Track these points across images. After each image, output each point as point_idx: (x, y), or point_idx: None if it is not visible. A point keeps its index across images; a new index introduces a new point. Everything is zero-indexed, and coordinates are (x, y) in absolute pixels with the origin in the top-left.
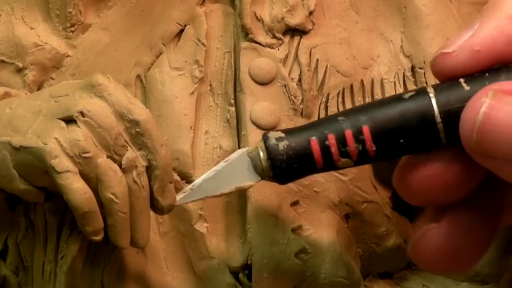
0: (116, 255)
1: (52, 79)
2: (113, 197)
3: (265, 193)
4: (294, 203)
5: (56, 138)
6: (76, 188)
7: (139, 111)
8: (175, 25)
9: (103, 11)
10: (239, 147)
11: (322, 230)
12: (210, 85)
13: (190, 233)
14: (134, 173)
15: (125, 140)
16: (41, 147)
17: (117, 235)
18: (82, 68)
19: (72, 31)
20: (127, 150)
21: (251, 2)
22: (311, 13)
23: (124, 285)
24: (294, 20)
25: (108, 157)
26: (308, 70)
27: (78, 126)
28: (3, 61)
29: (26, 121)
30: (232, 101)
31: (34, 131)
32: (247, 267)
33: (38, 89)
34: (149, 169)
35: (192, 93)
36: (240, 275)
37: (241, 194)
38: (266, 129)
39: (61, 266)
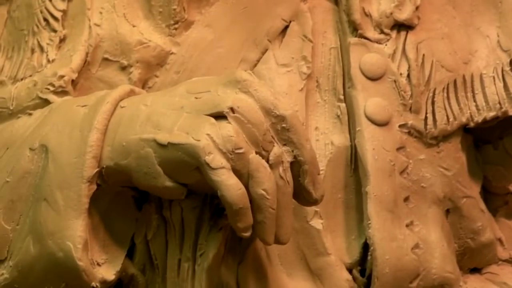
0: (249, 251)
1: (157, 76)
2: (264, 193)
3: (382, 189)
4: (406, 199)
5: (208, 134)
6: (231, 184)
7: (285, 106)
8: (281, 21)
9: (205, 8)
10: (353, 143)
11: (429, 225)
12: (317, 81)
13: (305, 230)
14: (281, 168)
15: (271, 136)
16: (194, 144)
17: (266, 231)
18: (187, 65)
19: (176, 28)
20: (273, 145)
21: None
22: (417, 8)
23: (254, 282)
24: (402, 15)
25: (256, 153)
26: (416, 65)
27: (229, 122)
28: (107, 59)
29: (168, 118)
30: (342, 97)
31: (181, 127)
32: (360, 263)
33: (143, 87)
34: (294, 164)
35: (301, 89)
36: (354, 271)
37: (358, 190)
38: (380, 125)
39: (200, 263)
